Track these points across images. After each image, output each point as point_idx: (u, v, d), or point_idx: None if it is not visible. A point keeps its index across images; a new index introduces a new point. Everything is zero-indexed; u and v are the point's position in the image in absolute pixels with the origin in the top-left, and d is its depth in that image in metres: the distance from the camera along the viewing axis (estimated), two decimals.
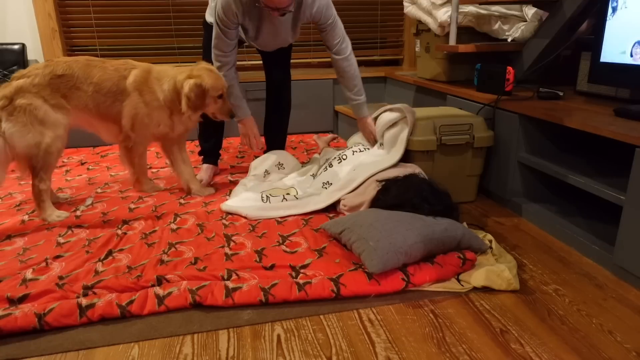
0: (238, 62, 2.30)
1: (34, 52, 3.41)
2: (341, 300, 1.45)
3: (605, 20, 1.87)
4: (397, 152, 2.09)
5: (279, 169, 2.53)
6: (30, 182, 1.99)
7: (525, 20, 2.67)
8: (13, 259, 1.69)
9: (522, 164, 2.08)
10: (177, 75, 2.09)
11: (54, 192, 2.29)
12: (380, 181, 1.91)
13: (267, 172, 2.53)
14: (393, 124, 2.19)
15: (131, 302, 1.40)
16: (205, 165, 2.64)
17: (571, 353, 1.22)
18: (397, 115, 2.18)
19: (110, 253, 1.72)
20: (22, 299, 1.40)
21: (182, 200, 2.25)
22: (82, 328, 1.33)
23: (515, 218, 2.08)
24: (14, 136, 1.91)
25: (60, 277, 1.53)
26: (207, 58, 2.27)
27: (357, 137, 2.47)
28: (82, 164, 2.93)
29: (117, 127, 2.17)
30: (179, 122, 2.19)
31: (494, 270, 1.52)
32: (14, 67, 3.22)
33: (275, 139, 2.71)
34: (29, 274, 1.56)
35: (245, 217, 2.02)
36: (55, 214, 2.04)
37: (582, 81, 2.28)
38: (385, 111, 2.28)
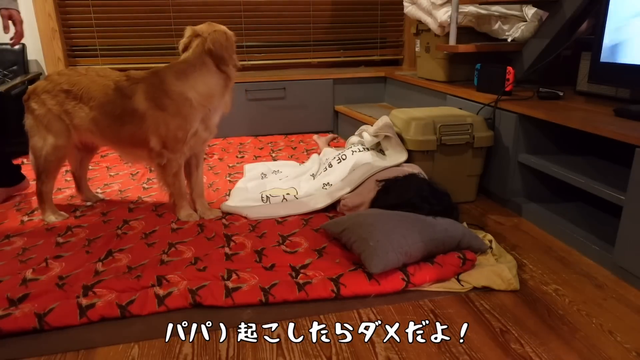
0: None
1: (34, 52, 3.40)
2: (341, 300, 1.45)
3: (606, 20, 1.87)
4: (400, 155, 2.10)
5: (275, 174, 2.54)
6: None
7: (525, 20, 2.67)
8: (13, 259, 1.69)
9: (522, 164, 2.07)
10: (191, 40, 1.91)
11: (91, 190, 2.29)
12: (380, 181, 1.91)
13: (264, 175, 2.53)
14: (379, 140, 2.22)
15: (131, 302, 1.40)
16: None
17: (571, 353, 1.22)
18: (376, 138, 2.21)
19: (110, 253, 1.71)
20: (22, 299, 1.40)
21: None
22: (82, 328, 1.33)
23: (515, 218, 2.08)
24: (29, 132, 1.98)
25: (60, 277, 1.53)
26: None
27: (356, 137, 2.47)
28: None
29: (139, 150, 1.94)
30: (217, 109, 1.92)
31: (494, 270, 1.52)
32: (14, 67, 3.22)
33: None
34: (29, 274, 1.56)
35: (245, 217, 2.02)
36: (54, 216, 2.03)
37: (582, 81, 2.28)
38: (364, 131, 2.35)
